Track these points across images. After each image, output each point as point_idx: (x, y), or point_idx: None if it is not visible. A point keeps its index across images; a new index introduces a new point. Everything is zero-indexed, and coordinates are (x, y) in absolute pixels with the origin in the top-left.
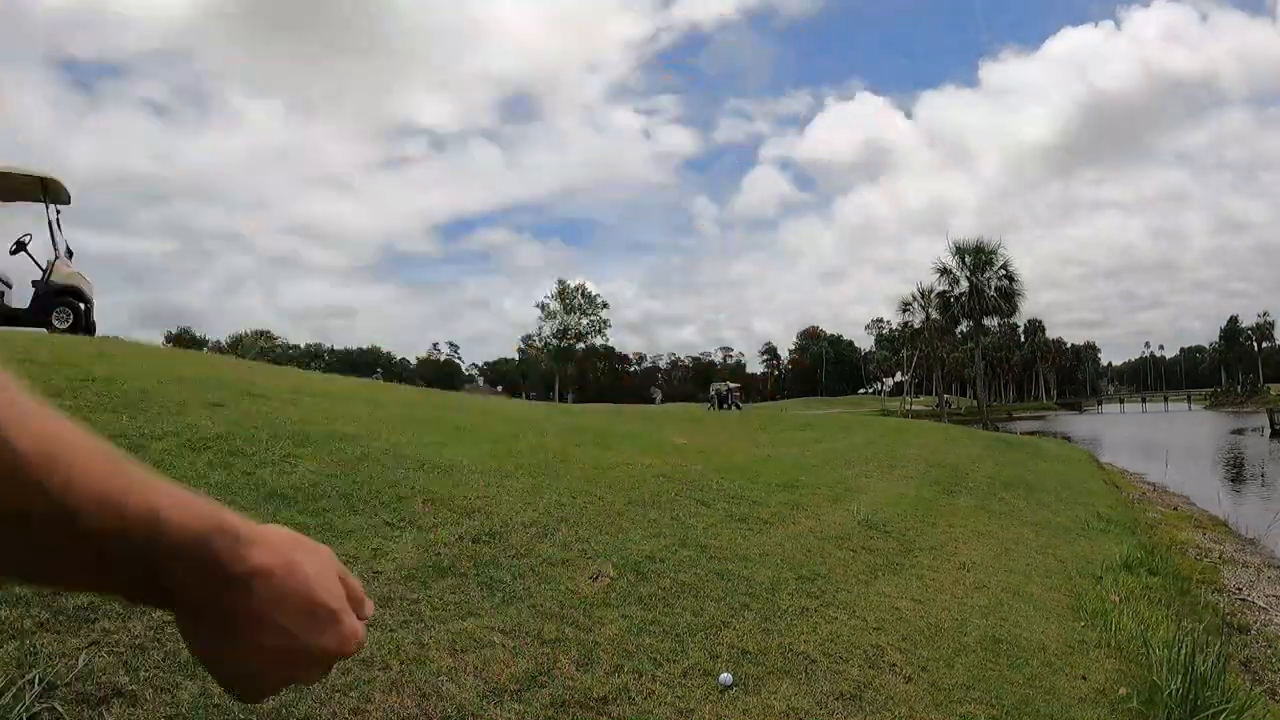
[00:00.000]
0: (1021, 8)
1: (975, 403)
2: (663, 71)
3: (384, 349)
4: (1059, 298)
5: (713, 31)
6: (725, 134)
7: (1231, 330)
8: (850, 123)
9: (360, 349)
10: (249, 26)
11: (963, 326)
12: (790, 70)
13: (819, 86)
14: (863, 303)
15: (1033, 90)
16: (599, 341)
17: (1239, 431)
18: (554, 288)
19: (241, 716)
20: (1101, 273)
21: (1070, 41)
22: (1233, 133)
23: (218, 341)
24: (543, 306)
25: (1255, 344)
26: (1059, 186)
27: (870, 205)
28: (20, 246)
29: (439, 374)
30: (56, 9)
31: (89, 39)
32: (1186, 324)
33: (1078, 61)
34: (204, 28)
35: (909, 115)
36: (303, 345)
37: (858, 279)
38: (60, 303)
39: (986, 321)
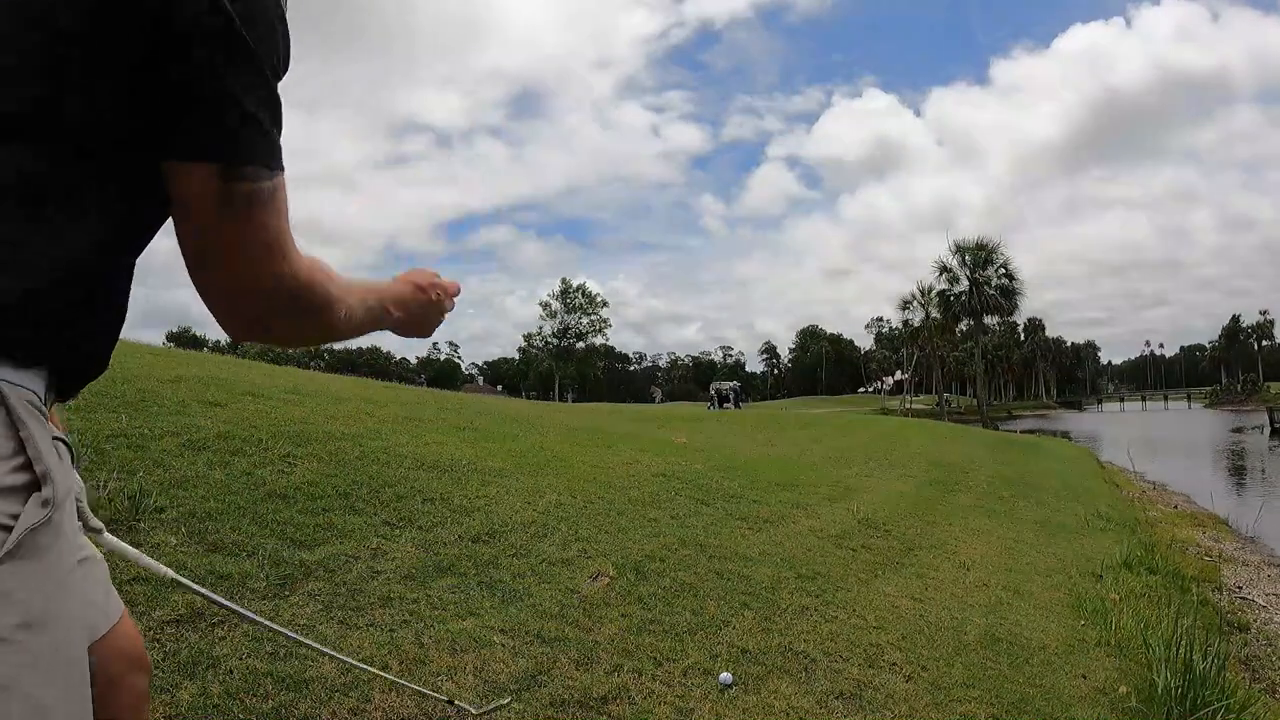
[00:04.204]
0: (1033, 5)
1: (975, 401)
2: (673, 68)
3: (384, 349)
4: (1064, 296)
5: (724, 28)
6: (734, 131)
7: (1233, 329)
8: (859, 120)
9: (360, 349)
10: None
11: (963, 325)
12: (801, 67)
13: (829, 83)
14: (867, 301)
15: (1043, 88)
16: (599, 341)
17: (1239, 430)
18: (557, 287)
19: (241, 717)
20: (1106, 271)
21: (1081, 39)
22: (1241, 130)
23: (218, 342)
24: (544, 305)
25: (1255, 343)
26: (1066, 184)
27: (877, 203)
28: None
29: (439, 373)
30: None
31: None
32: (1190, 322)
33: (1088, 59)
34: None
35: (918, 113)
36: None
37: (863, 277)
38: None
39: (987, 320)
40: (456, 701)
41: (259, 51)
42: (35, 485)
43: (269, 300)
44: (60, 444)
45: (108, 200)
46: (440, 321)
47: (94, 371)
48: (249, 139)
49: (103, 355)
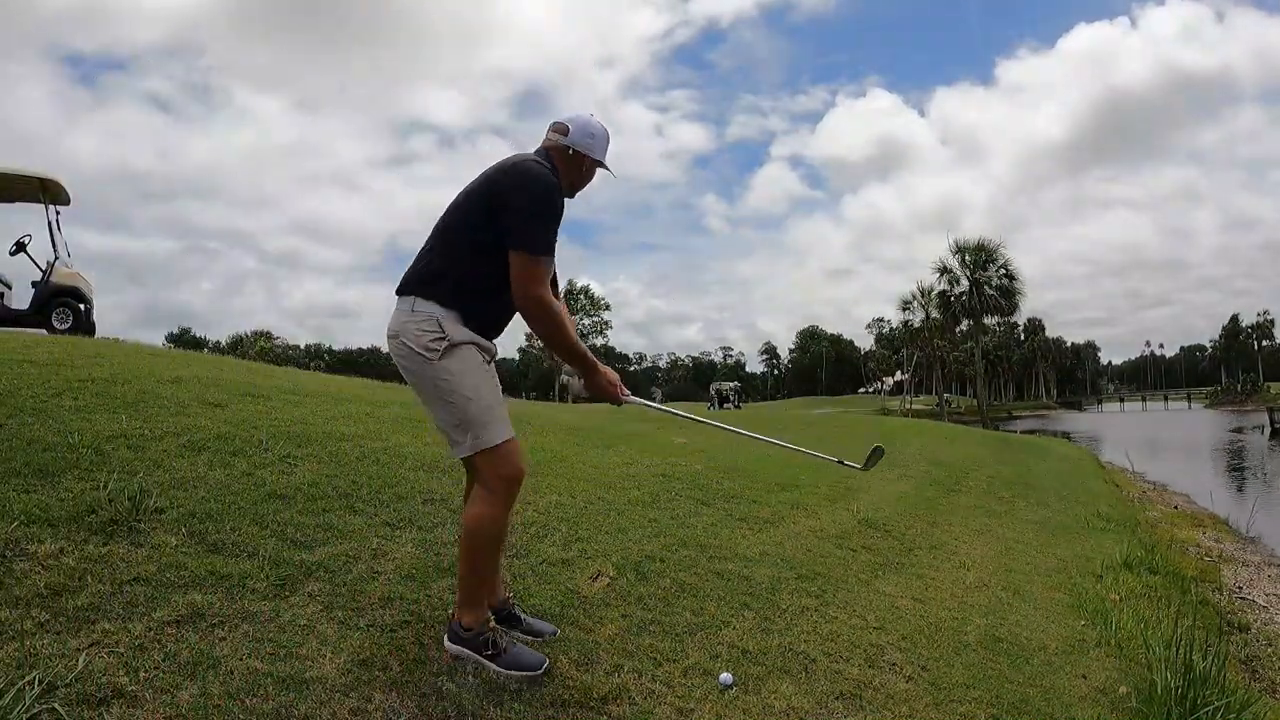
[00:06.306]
0: (1038, 5)
1: (975, 402)
2: (677, 67)
3: (384, 349)
4: (1065, 296)
5: (729, 27)
6: (738, 130)
7: (1233, 329)
8: (863, 120)
9: (361, 349)
10: (256, 20)
11: (963, 325)
12: (806, 66)
13: (834, 83)
14: (868, 302)
15: (1047, 88)
16: (599, 342)
17: (1239, 430)
18: (560, 287)
19: (241, 717)
20: (1107, 271)
21: (1085, 38)
22: (1244, 131)
23: (218, 342)
24: None
25: (1255, 343)
26: (1069, 184)
27: (880, 203)
28: (20, 247)
29: None
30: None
31: (92, 33)
32: (1191, 322)
33: (1093, 59)
34: (210, 21)
35: (922, 113)
36: (303, 345)
37: (864, 278)
38: (60, 303)
39: (987, 320)
40: (845, 461)
41: (544, 218)
42: (444, 339)
43: (534, 301)
44: (483, 341)
45: (493, 259)
46: (604, 399)
47: (488, 331)
48: (537, 244)
49: (487, 322)
